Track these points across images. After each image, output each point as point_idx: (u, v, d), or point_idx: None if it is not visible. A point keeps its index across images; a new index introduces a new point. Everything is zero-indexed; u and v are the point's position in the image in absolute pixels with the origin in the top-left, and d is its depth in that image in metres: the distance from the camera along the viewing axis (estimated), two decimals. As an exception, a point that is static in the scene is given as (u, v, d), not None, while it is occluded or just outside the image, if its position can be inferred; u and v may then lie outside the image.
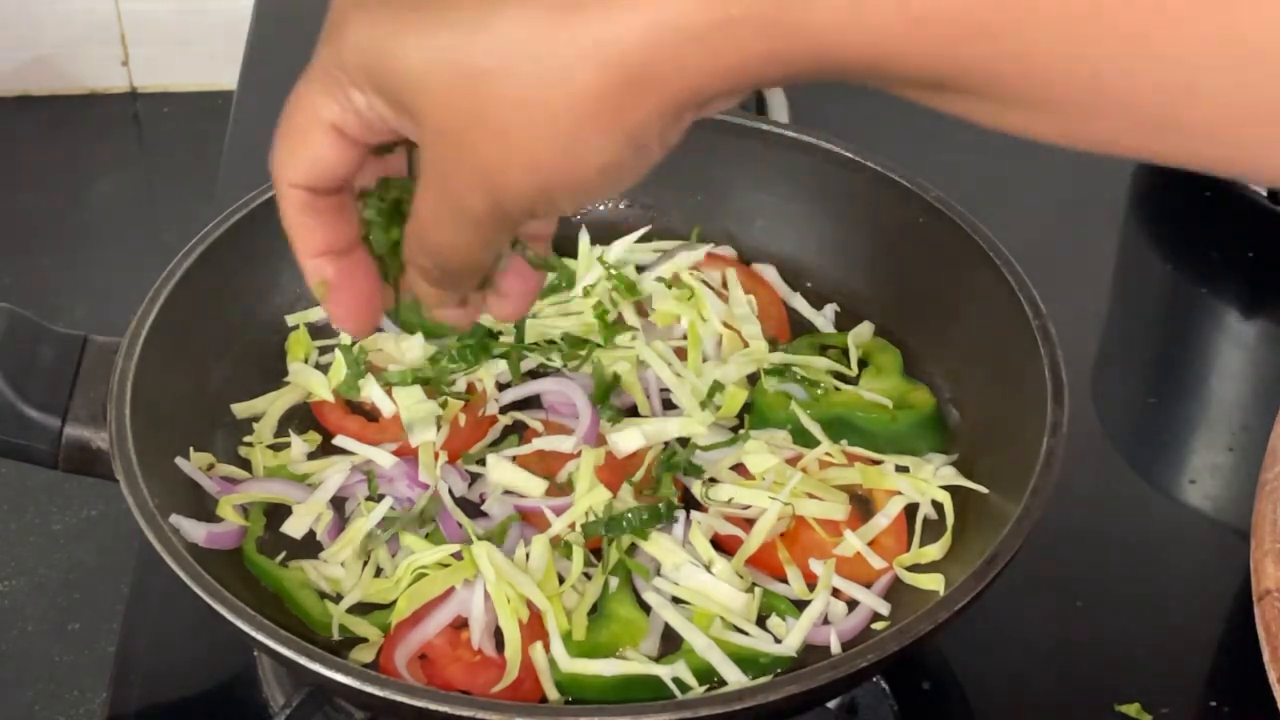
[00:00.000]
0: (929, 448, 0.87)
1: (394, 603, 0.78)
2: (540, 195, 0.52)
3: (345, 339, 0.91)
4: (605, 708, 0.73)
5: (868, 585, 0.81)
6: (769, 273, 0.97)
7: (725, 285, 0.95)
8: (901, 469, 0.85)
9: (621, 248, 0.96)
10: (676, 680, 0.75)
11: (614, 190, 0.52)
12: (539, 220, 0.56)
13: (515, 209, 0.52)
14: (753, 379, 0.90)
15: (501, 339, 0.92)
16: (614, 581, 0.79)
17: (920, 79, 0.47)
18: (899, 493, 0.84)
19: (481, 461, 0.86)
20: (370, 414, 0.89)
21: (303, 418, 0.90)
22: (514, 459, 0.85)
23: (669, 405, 0.89)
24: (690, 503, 0.84)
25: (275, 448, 0.88)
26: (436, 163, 0.53)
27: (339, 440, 0.87)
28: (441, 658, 0.77)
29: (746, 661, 0.76)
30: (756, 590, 0.80)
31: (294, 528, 0.83)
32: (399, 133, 0.55)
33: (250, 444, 0.87)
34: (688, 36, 0.47)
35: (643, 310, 0.93)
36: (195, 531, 0.79)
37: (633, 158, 0.50)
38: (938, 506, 0.84)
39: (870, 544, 0.82)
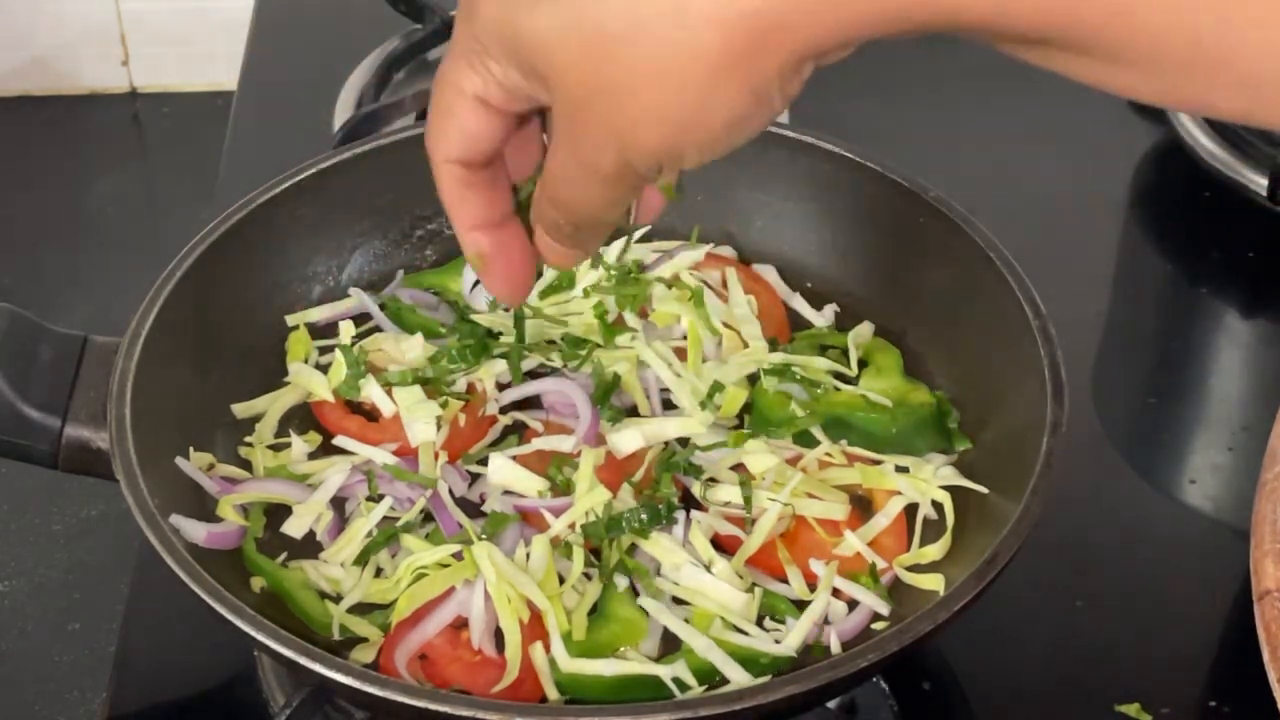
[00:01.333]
0: (929, 448, 0.87)
1: (394, 602, 0.78)
2: (667, 152, 0.54)
3: (345, 339, 0.91)
4: (605, 708, 0.73)
5: (868, 585, 0.81)
6: (769, 273, 0.97)
7: (725, 285, 0.95)
8: (901, 469, 0.85)
9: (622, 247, 0.96)
10: (676, 680, 0.75)
11: (738, 142, 0.55)
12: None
13: (643, 166, 0.55)
14: (753, 379, 0.90)
15: (501, 339, 0.92)
16: (622, 582, 0.79)
17: (1029, 35, 0.50)
18: (899, 493, 0.84)
19: (482, 461, 0.86)
20: (370, 414, 0.89)
21: (303, 418, 0.89)
22: (514, 459, 0.85)
23: (669, 405, 0.89)
24: (690, 503, 0.84)
25: (275, 448, 0.88)
26: (567, 124, 0.55)
27: (339, 440, 0.87)
28: (441, 658, 0.77)
29: (747, 661, 0.76)
30: (756, 590, 0.80)
31: (294, 528, 0.83)
32: (536, 99, 0.57)
33: (250, 444, 0.87)
34: None
35: (643, 310, 0.93)
36: (195, 531, 0.79)
37: (757, 111, 0.53)
38: (938, 506, 0.84)
39: (870, 544, 0.82)
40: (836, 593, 0.80)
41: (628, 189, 0.57)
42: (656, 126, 0.53)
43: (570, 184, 0.58)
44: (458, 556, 0.79)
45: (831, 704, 0.79)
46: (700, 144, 0.54)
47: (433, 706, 0.69)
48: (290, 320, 0.93)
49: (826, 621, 0.79)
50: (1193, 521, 0.94)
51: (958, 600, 0.73)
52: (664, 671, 0.76)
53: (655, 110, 0.53)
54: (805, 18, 0.50)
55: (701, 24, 0.50)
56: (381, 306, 0.94)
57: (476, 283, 0.96)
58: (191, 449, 0.84)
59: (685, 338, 0.91)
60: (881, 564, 0.81)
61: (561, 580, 0.79)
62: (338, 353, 0.89)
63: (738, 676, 0.76)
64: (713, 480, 0.85)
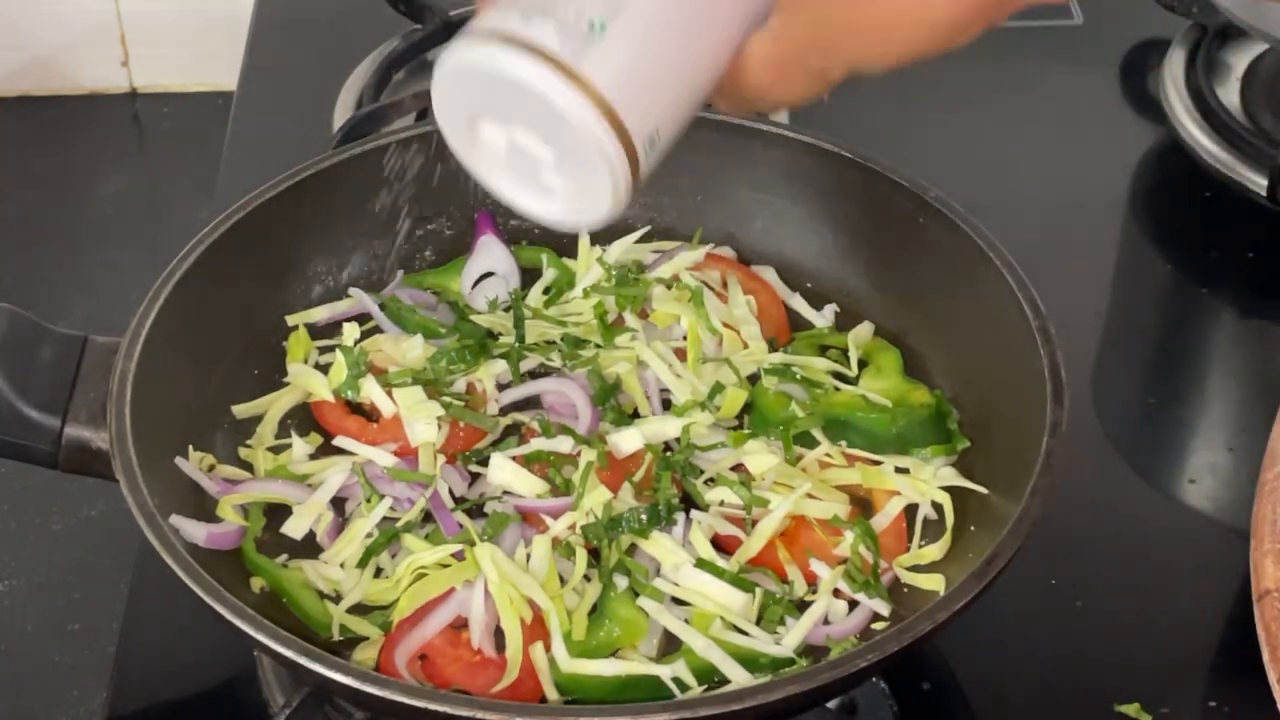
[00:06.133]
0: (929, 448, 0.87)
1: (394, 602, 0.78)
2: (857, 66, 0.61)
3: (346, 339, 0.90)
4: (605, 708, 0.73)
5: (868, 585, 0.81)
6: (768, 273, 0.97)
7: (725, 286, 0.95)
8: (901, 469, 0.85)
9: (621, 248, 0.96)
10: (676, 680, 0.75)
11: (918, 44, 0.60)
12: None
13: (840, 74, 0.62)
14: (753, 379, 0.90)
15: (501, 339, 0.92)
16: (622, 582, 0.79)
17: None
18: (899, 493, 0.84)
19: (482, 461, 0.86)
20: (370, 414, 0.89)
21: (303, 418, 0.89)
22: (514, 459, 0.85)
23: (669, 405, 0.89)
24: (690, 503, 0.84)
25: (276, 449, 0.88)
26: (789, 16, 0.61)
27: (339, 441, 0.87)
28: (441, 658, 0.77)
29: (747, 661, 0.76)
30: (757, 590, 0.80)
31: (294, 528, 0.83)
32: None
33: (251, 446, 0.87)
34: None
35: (643, 310, 0.93)
36: (195, 531, 0.79)
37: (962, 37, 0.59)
38: (937, 507, 0.84)
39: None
40: (837, 593, 0.80)
41: (817, 87, 0.62)
42: (873, 54, 0.59)
43: (766, 71, 0.62)
44: (458, 556, 0.79)
45: (831, 704, 0.79)
46: (890, 64, 0.60)
47: (433, 706, 0.69)
48: (290, 320, 0.93)
49: (827, 621, 0.79)
50: (1193, 521, 0.94)
51: (958, 600, 0.73)
52: (664, 671, 0.76)
53: (879, 40, 0.59)
54: None
55: None
56: (381, 307, 0.94)
57: (476, 282, 0.96)
58: (191, 449, 0.84)
59: (685, 338, 0.91)
60: (881, 564, 0.81)
61: (563, 581, 0.79)
62: (338, 353, 0.89)
63: (738, 676, 0.76)
64: (712, 480, 0.85)
